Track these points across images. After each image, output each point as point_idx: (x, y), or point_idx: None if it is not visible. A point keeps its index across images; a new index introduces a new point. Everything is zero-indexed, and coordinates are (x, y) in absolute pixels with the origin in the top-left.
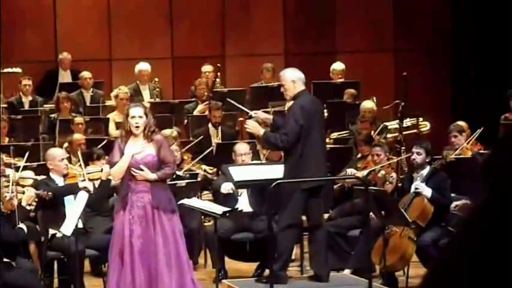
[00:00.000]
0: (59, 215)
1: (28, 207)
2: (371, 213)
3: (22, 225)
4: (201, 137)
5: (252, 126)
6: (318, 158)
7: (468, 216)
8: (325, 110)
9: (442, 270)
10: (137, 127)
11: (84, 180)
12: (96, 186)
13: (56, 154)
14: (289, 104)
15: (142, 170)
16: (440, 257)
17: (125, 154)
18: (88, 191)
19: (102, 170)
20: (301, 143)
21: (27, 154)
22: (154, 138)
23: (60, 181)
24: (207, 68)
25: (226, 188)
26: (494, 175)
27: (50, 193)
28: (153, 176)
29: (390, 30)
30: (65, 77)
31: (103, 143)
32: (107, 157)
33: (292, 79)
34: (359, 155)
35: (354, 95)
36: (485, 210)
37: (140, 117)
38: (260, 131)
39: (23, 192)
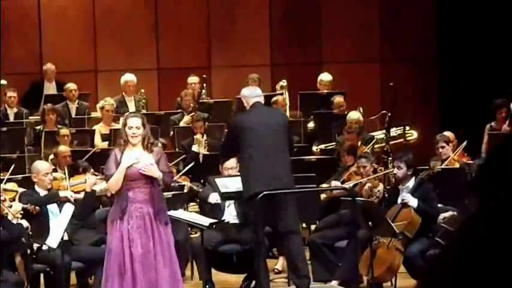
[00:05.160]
0: (44, 228)
1: (14, 221)
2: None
3: (22, 221)
4: (194, 161)
5: None
6: (262, 170)
7: (460, 228)
8: (312, 121)
9: (433, 282)
10: (134, 137)
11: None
12: (81, 198)
13: (41, 168)
14: None
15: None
16: (430, 269)
17: (120, 166)
18: (69, 201)
19: (85, 182)
20: (245, 156)
21: (12, 167)
22: (155, 150)
23: (44, 193)
24: (193, 79)
25: (215, 198)
26: (485, 187)
27: (37, 207)
28: (159, 173)
29: (377, 41)
30: (50, 88)
31: (89, 154)
32: (92, 170)
33: (245, 96)
34: (345, 167)
35: (341, 104)
36: (478, 222)
37: (138, 127)
38: None
39: (11, 206)
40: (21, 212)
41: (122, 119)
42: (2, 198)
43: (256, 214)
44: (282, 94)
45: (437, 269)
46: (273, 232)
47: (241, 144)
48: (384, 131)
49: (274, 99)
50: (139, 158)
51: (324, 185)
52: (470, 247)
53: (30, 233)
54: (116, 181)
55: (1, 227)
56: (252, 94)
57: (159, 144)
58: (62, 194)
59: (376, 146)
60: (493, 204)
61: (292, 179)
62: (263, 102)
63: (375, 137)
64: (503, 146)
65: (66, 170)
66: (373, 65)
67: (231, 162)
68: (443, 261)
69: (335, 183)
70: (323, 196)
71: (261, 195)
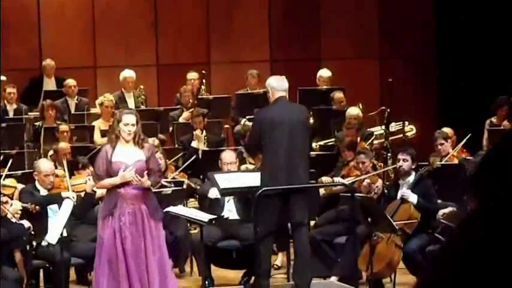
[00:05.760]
0: (42, 226)
1: (13, 220)
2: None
3: (24, 221)
4: (194, 156)
5: None
6: (283, 166)
7: (460, 227)
8: (311, 117)
9: (433, 282)
10: (129, 134)
11: (68, 191)
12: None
13: (43, 168)
14: None
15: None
16: (430, 269)
17: (115, 179)
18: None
19: (86, 182)
20: (264, 151)
21: (9, 162)
22: (145, 146)
23: (44, 192)
24: (192, 75)
25: (214, 193)
26: (485, 186)
27: (37, 207)
28: (148, 183)
29: (376, 37)
30: (49, 84)
31: (92, 152)
32: (91, 167)
33: (272, 86)
34: (344, 162)
35: (341, 99)
36: (478, 222)
37: (133, 125)
38: None
39: (11, 205)
40: (20, 210)
41: (116, 115)
42: (3, 199)
43: (264, 210)
44: None
45: (437, 269)
46: (280, 228)
47: (264, 138)
48: (383, 126)
49: None
50: (130, 172)
51: (324, 178)
52: (470, 247)
53: (33, 232)
54: (104, 187)
55: (1, 226)
56: (280, 87)
57: (156, 141)
58: (64, 195)
59: (375, 142)
60: (493, 204)
61: (308, 174)
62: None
63: (374, 132)
64: (502, 144)
65: (66, 169)
66: (372, 61)
67: (230, 157)
68: (443, 261)
69: (337, 179)
70: (322, 192)
71: (260, 191)
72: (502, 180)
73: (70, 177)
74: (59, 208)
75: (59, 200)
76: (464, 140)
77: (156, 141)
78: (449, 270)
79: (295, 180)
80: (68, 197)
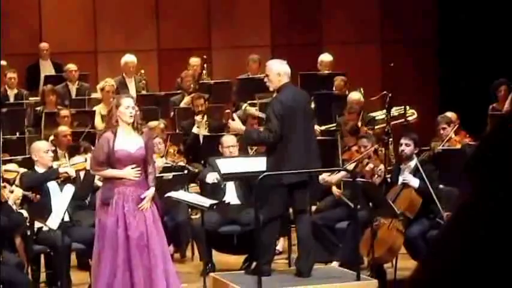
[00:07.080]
0: (45, 208)
1: (14, 206)
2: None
3: (22, 211)
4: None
5: (234, 125)
6: (300, 153)
7: (459, 225)
8: (312, 102)
9: (432, 282)
10: (132, 117)
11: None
12: (81, 177)
13: (41, 146)
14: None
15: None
16: (429, 268)
17: (118, 173)
18: (69, 177)
19: (86, 160)
20: (282, 137)
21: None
22: (144, 131)
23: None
24: (194, 61)
25: (212, 177)
26: (479, 172)
27: (37, 196)
28: (153, 191)
29: (377, 22)
30: (46, 66)
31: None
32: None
33: (278, 72)
34: (345, 148)
35: (344, 81)
36: (478, 222)
37: (133, 107)
38: (242, 128)
39: (12, 191)
40: (21, 197)
41: (114, 101)
42: (2, 184)
43: (273, 193)
44: None
45: (436, 268)
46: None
47: (284, 125)
48: (385, 111)
49: None
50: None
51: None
52: (470, 247)
53: (28, 224)
54: (103, 176)
55: (2, 212)
56: (287, 72)
57: (162, 124)
58: (61, 170)
59: (376, 127)
60: (493, 204)
61: (319, 158)
62: None
63: (375, 117)
64: (497, 138)
65: (65, 151)
66: (374, 45)
67: (231, 140)
68: (442, 260)
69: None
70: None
71: (261, 176)
72: (501, 178)
73: (69, 159)
74: (60, 188)
75: (56, 173)
76: (456, 126)
77: (162, 125)
78: (449, 270)
79: (313, 164)
80: (66, 171)
